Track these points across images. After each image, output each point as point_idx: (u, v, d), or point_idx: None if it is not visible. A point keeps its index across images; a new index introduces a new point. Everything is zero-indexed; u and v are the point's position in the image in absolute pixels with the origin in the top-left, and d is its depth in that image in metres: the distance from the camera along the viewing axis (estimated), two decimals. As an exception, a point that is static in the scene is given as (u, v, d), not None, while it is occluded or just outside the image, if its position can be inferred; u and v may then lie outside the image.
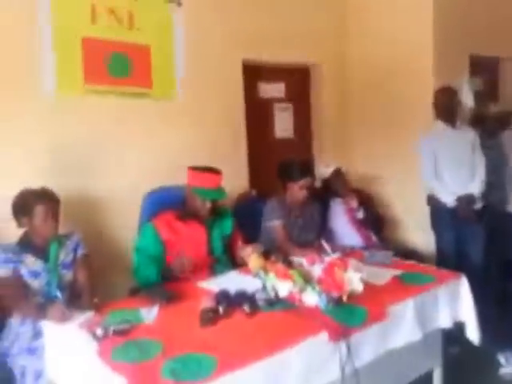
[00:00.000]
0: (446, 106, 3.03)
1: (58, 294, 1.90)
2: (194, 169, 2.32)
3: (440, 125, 3.05)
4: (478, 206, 2.96)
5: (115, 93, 2.77)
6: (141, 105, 2.86)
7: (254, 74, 3.47)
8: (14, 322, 2.00)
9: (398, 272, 2.15)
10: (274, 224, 2.69)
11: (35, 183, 2.11)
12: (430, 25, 3.33)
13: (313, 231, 2.83)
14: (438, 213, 3.05)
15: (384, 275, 2.10)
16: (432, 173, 2.99)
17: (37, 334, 1.91)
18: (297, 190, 2.70)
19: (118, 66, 2.78)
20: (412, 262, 2.39)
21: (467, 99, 3.50)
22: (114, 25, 2.75)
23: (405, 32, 3.48)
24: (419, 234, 3.46)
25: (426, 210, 3.17)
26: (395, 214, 3.73)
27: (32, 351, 1.89)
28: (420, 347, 1.91)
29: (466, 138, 3.04)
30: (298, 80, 3.85)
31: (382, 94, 3.68)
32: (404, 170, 3.57)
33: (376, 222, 3.37)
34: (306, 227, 2.80)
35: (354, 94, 3.92)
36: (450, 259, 2.96)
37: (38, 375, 1.79)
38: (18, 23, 2.44)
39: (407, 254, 2.91)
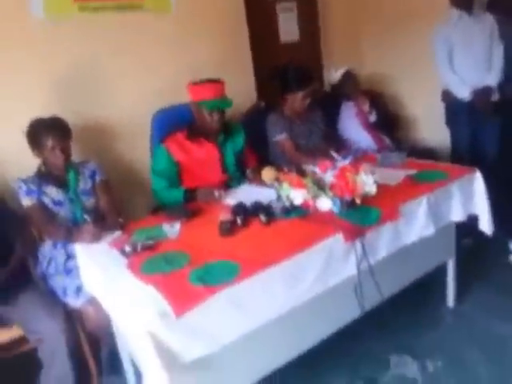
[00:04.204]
0: None
1: (86, 217, 1.98)
2: (195, 83, 2.28)
3: (455, 12, 2.84)
4: (495, 98, 2.86)
5: (106, 7, 2.60)
6: (135, 19, 2.69)
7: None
8: (46, 246, 2.13)
9: (411, 172, 2.16)
10: (279, 138, 2.66)
11: (40, 113, 2.10)
12: None
13: (319, 136, 2.78)
14: (453, 108, 2.97)
15: (397, 176, 2.12)
16: (446, 64, 2.85)
17: (69, 256, 2.04)
18: (298, 101, 2.61)
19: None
20: (426, 161, 2.39)
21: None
22: None
23: None
24: (435, 132, 3.40)
25: (439, 106, 3.08)
26: (410, 113, 3.65)
27: (68, 271, 2.03)
28: (434, 240, 1.97)
29: (483, 25, 2.84)
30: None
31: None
32: (419, 67, 3.41)
33: (389, 123, 3.32)
34: (311, 134, 2.75)
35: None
36: (464, 154, 2.94)
37: (78, 291, 1.94)
38: None
39: (422, 153, 2.90)
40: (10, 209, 2.13)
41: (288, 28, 3.57)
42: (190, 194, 2.21)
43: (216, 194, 2.14)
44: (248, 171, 2.34)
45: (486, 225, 2.10)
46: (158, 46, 2.80)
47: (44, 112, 2.14)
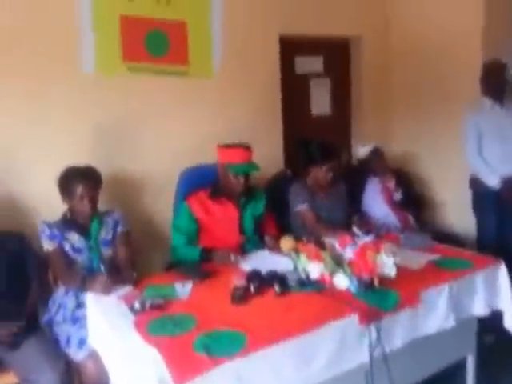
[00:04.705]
0: (494, 82, 2.86)
1: (102, 267, 1.99)
2: (224, 146, 2.36)
3: (487, 102, 2.90)
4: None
5: (153, 70, 2.79)
6: (178, 83, 2.87)
7: (291, 48, 3.39)
8: (59, 292, 2.13)
9: (434, 257, 2.10)
10: (300, 209, 2.65)
11: (78, 161, 2.19)
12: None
13: (341, 212, 2.77)
14: (481, 196, 2.93)
15: (419, 260, 2.06)
16: (476, 152, 2.86)
17: (79, 305, 2.02)
18: (322, 175, 2.65)
19: (156, 43, 2.79)
20: (450, 247, 2.32)
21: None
22: (150, 1, 2.74)
23: (453, 3, 3.27)
24: (460, 217, 3.34)
25: (468, 192, 3.05)
26: (436, 195, 3.61)
27: (75, 320, 2.00)
28: (453, 334, 1.88)
29: (514, 117, 2.88)
30: (337, 53, 3.73)
31: (426, 69, 3.51)
32: (446, 150, 3.43)
33: (415, 203, 3.28)
34: (333, 208, 2.74)
35: (396, 69, 3.77)
36: (490, 243, 2.86)
37: (82, 343, 1.90)
38: (58, 2, 2.48)
39: (447, 237, 2.83)
40: (33, 251, 2.16)
41: (320, 102, 3.70)
42: (207, 254, 2.20)
43: (232, 258, 2.13)
44: (267, 238, 2.33)
45: (510, 322, 1.98)
46: (195, 108, 2.95)
47: (81, 159, 2.24)
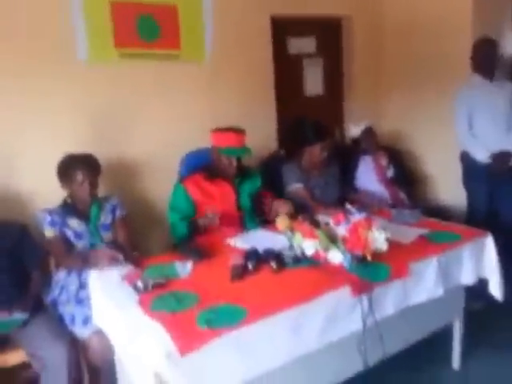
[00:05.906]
0: (484, 58, 2.90)
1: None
2: (217, 130, 2.40)
3: (477, 78, 2.94)
4: (513, 162, 2.89)
5: (146, 56, 2.80)
6: (171, 67, 2.88)
7: (283, 29, 3.39)
8: (60, 273, 2.18)
9: (424, 231, 2.18)
10: (294, 187, 2.72)
11: (74, 150, 2.23)
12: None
13: (335, 190, 2.84)
14: (471, 170, 3.00)
15: (410, 234, 2.14)
16: (466, 127, 2.92)
17: (82, 285, 2.08)
18: (316, 154, 2.70)
19: (147, 28, 2.78)
20: (439, 221, 2.40)
21: (509, 49, 3.31)
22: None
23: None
24: (451, 191, 3.43)
25: (458, 167, 3.12)
26: (427, 171, 3.69)
27: (79, 301, 2.07)
28: (441, 301, 1.96)
29: (504, 92, 2.93)
30: (330, 33, 3.73)
31: (418, 47, 3.54)
32: (437, 126, 3.49)
33: (407, 179, 3.36)
34: (327, 187, 2.80)
35: (388, 48, 3.80)
36: (480, 217, 2.94)
37: (86, 321, 1.97)
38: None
39: (437, 211, 2.91)
40: (33, 241, 2.20)
41: (313, 82, 3.72)
42: (195, 225, 2.28)
43: (211, 217, 2.22)
44: (272, 203, 2.38)
45: (496, 289, 2.08)
46: (189, 92, 2.97)
47: (76, 147, 2.27)
